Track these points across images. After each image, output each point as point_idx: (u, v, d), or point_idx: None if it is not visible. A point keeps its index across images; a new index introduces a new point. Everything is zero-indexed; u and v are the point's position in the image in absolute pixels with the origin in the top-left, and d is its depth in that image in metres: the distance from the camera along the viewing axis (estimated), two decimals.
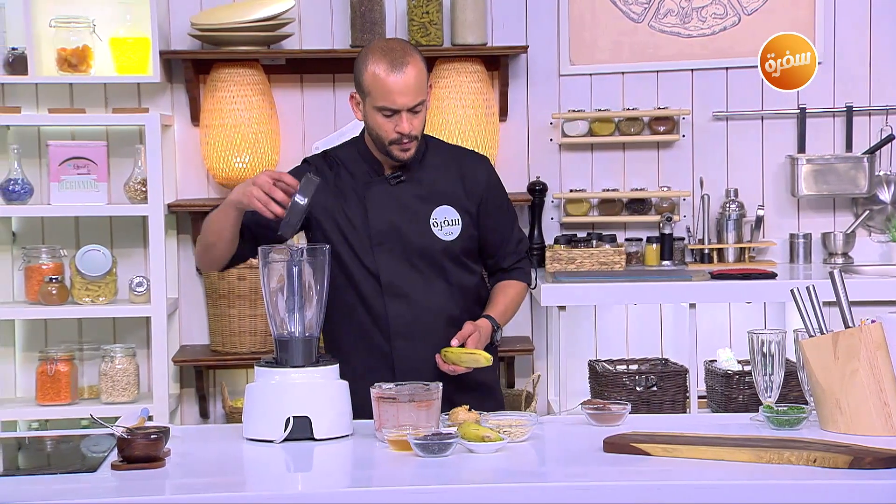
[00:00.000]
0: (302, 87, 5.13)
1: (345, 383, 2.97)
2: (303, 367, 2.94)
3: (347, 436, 2.93)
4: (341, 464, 2.83)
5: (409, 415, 2.85)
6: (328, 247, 3.05)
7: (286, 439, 2.87)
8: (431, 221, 3.32)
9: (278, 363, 2.96)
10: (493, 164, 3.46)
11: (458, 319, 3.32)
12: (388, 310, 3.27)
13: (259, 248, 3.03)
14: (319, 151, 3.48)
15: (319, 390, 2.92)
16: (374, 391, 2.91)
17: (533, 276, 3.54)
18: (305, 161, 3.44)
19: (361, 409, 3.00)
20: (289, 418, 2.87)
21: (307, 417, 2.88)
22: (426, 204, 3.32)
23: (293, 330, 2.97)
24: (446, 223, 3.32)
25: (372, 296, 3.29)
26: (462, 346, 3.24)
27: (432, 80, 5.00)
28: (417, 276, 3.30)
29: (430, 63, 5.01)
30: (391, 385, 2.93)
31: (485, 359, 3.19)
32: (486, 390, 3.40)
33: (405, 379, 3.11)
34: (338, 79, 5.12)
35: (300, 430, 2.87)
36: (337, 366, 2.98)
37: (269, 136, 4.96)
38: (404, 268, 3.29)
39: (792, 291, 3.05)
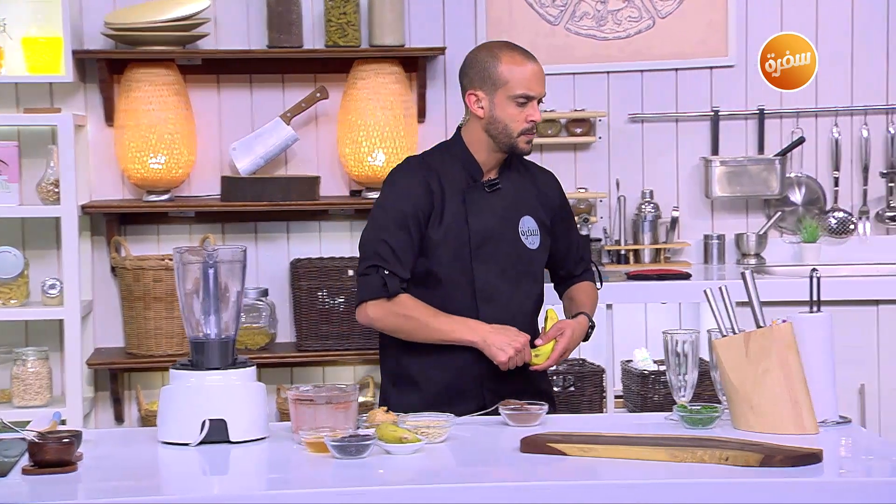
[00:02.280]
0: (219, 88, 5.09)
1: (261, 385, 2.95)
2: (219, 369, 2.92)
3: (264, 438, 2.92)
4: (258, 466, 2.82)
5: (327, 416, 2.84)
6: (245, 248, 3.03)
7: (202, 442, 2.85)
8: (520, 230, 3.42)
9: (194, 365, 2.94)
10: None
11: (531, 325, 3.43)
12: (481, 313, 3.33)
13: (173, 250, 3.01)
14: (419, 153, 3.52)
15: (235, 393, 2.90)
16: (291, 393, 2.90)
17: (599, 279, 3.68)
18: (409, 161, 3.47)
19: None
20: (204, 421, 2.85)
21: (223, 420, 2.85)
22: (515, 213, 3.42)
23: (209, 332, 2.95)
24: (530, 232, 3.43)
25: (463, 299, 3.35)
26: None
27: (349, 82, 4.99)
28: (506, 282, 3.38)
29: (348, 64, 5.02)
30: (308, 386, 2.93)
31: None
32: (547, 397, 3.47)
33: (495, 380, 3.28)
34: (255, 79, 5.08)
35: (216, 432, 2.85)
36: (253, 368, 2.97)
37: (185, 136, 4.91)
38: (497, 274, 3.37)
39: (705, 292, 3.09)
